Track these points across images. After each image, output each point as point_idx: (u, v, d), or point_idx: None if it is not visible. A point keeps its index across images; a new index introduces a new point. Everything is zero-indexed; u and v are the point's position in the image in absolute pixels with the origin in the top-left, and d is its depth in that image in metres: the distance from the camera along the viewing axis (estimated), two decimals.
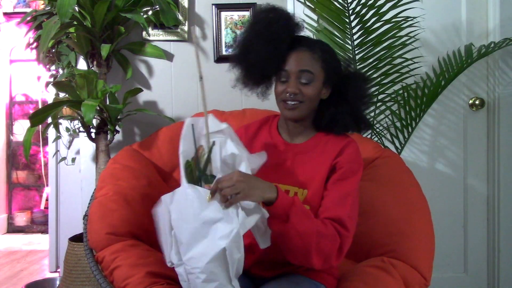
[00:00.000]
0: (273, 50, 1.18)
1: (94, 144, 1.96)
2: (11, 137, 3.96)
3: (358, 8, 1.78)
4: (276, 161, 1.24)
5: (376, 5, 1.78)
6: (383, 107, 2.05)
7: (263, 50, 1.19)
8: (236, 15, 2.16)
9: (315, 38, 1.33)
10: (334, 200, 1.15)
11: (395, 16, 1.81)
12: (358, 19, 1.83)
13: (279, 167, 1.24)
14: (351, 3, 1.79)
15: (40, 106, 3.60)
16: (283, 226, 1.05)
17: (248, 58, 1.22)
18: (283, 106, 1.22)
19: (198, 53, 1.18)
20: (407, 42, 1.89)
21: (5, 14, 3.79)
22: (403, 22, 1.82)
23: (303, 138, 1.28)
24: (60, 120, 2.05)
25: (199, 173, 1.08)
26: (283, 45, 1.19)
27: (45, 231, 3.63)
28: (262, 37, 1.19)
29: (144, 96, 2.16)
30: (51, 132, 2.41)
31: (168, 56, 2.16)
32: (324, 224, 1.09)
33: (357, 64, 1.91)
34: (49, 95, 2.25)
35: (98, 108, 1.78)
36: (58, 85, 1.90)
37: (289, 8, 2.14)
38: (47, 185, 3.79)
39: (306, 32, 2.04)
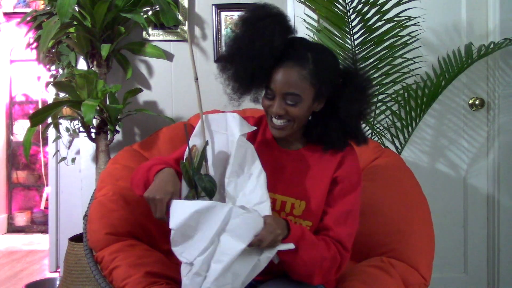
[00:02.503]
0: (256, 68, 1.10)
1: (94, 144, 1.96)
2: (11, 137, 3.96)
3: (360, 6, 1.78)
4: (273, 168, 1.20)
5: (378, 3, 1.77)
6: (383, 107, 2.05)
7: (246, 66, 1.11)
8: (236, 15, 2.15)
9: (310, 40, 1.21)
10: (335, 219, 1.15)
11: (396, 15, 1.81)
12: (359, 18, 1.83)
13: (275, 175, 1.20)
14: (352, 2, 1.79)
15: (40, 106, 3.59)
16: (291, 257, 1.06)
17: (232, 70, 1.16)
18: (270, 124, 1.16)
19: (192, 54, 1.18)
20: (409, 42, 1.88)
21: (5, 14, 3.79)
22: (405, 21, 1.82)
23: (298, 145, 1.23)
24: (60, 120, 2.05)
25: (192, 173, 1.09)
26: (267, 62, 1.09)
27: (45, 231, 3.63)
28: (245, 53, 1.11)
29: (144, 96, 2.16)
30: (51, 132, 2.41)
31: (168, 56, 2.16)
32: (328, 246, 1.11)
33: (358, 64, 1.91)
34: (49, 95, 2.25)
35: (98, 108, 1.78)
36: (58, 85, 1.90)
37: (289, 8, 2.14)
38: (47, 185, 3.79)
39: (307, 32, 2.05)
